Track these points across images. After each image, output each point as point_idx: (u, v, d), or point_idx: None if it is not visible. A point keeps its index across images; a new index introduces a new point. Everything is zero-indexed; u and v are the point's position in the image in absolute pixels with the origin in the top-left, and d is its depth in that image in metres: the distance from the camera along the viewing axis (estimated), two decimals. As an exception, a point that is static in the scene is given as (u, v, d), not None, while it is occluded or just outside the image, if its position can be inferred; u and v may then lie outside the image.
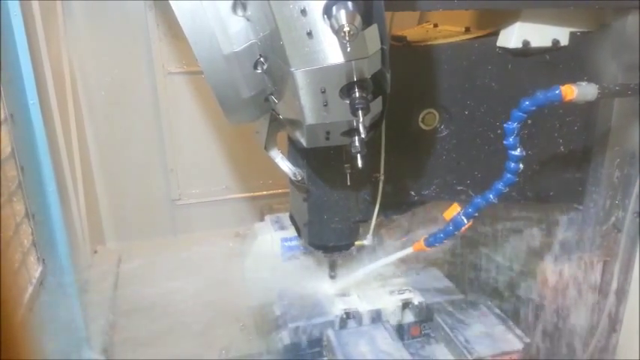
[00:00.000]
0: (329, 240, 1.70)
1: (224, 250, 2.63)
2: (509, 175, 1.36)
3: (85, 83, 2.49)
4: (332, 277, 1.84)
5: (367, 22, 1.00)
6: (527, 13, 1.47)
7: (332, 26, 0.95)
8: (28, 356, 0.46)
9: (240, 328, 2.10)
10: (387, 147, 1.59)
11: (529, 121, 1.52)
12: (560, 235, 1.83)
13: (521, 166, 1.35)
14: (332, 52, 1.04)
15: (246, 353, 1.96)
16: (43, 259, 1.73)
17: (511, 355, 1.63)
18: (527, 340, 1.67)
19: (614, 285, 1.66)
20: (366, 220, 1.70)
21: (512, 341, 1.66)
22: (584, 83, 1.33)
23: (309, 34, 1.02)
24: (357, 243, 1.75)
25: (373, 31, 1.05)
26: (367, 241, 1.74)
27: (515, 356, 1.63)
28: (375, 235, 1.74)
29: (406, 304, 1.80)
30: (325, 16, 0.99)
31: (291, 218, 1.88)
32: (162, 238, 2.83)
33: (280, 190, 2.81)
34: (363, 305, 1.79)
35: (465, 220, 1.46)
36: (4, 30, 1.59)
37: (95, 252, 2.61)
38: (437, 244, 1.56)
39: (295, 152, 1.61)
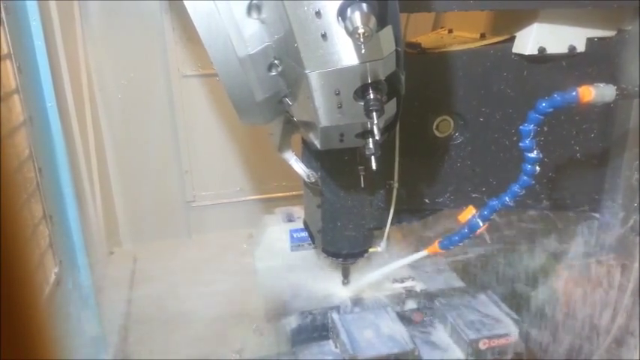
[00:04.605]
0: (343, 247, 1.70)
1: (238, 251, 2.64)
2: (525, 178, 1.35)
3: (102, 86, 2.52)
4: (345, 283, 1.86)
5: (382, 23, 0.99)
6: (544, 17, 1.46)
7: (346, 28, 0.95)
8: (45, 356, 0.46)
9: (254, 330, 2.10)
10: (401, 154, 1.59)
11: (545, 128, 1.50)
12: (578, 238, 1.81)
13: (537, 168, 1.33)
14: (346, 54, 1.04)
15: (259, 355, 1.96)
16: (60, 260, 1.75)
17: (507, 338, 1.70)
18: (523, 324, 1.74)
19: (631, 287, 1.64)
20: (380, 227, 1.70)
21: (509, 325, 1.73)
22: (602, 84, 1.31)
23: (324, 36, 1.02)
24: (370, 250, 1.75)
25: (388, 32, 1.04)
26: (381, 248, 1.75)
27: (510, 339, 1.70)
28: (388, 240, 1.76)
29: (409, 292, 1.87)
30: (340, 18, 0.99)
31: (305, 225, 1.89)
32: (177, 240, 2.85)
33: (294, 192, 2.81)
34: (367, 292, 1.87)
35: (481, 223, 1.45)
36: (23, 33, 1.61)
37: (111, 253, 2.64)
38: (451, 247, 1.55)
39: (309, 154, 1.61)
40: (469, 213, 1.47)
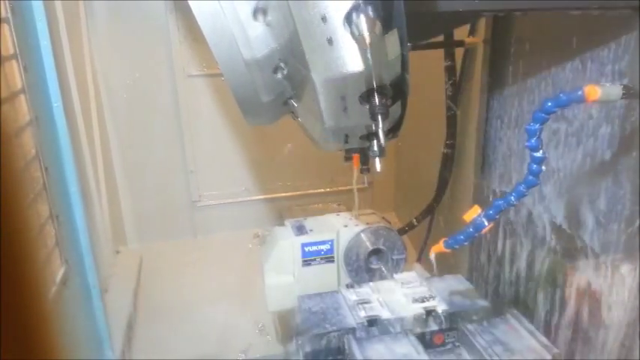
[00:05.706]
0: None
1: (243, 251, 2.64)
2: (531, 177, 1.34)
3: (107, 85, 2.53)
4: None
5: (387, 26, 1.00)
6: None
7: (352, 33, 0.96)
8: (51, 355, 0.46)
9: (259, 330, 2.10)
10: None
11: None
12: (585, 239, 1.80)
13: (543, 168, 1.33)
14: (352, 59, 1.04)
15: (264, 354, 1.96)
16: (67, 260, 1.76)
17: None
18: (556, 351, 1.59)
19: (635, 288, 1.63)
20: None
21: (540, 351, 1.58)
22: (608, 84, 1.30)
23: (330, 40, 1.02)
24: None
25: (393, 36, 1.05)
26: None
27: None
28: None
29: (429, 313, 1.72)
30: (345, 23, 0.99)
31: None
32: (182, 239, 2.86)
33: (299, 192, 2.82)
34: (385, 313, 1.73)
35: (486, 222, 1.44)
36: (29, 33, 1.62)
37: (117, 252, 2.65)
38: (456, 246, 1.54)
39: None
40: (474, 212, 1.46)
